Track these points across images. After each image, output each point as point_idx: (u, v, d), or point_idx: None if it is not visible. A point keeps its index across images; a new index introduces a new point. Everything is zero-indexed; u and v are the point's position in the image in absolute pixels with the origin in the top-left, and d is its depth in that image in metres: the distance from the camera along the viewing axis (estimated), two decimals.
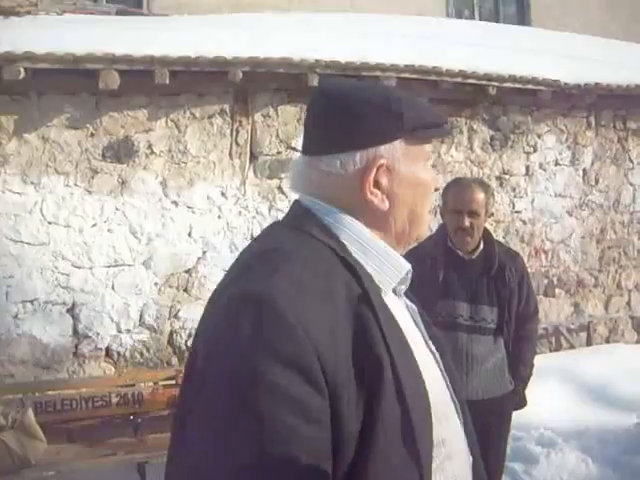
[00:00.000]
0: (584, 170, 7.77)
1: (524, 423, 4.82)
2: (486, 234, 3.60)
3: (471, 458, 1.33)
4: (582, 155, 7.73)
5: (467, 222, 3.43)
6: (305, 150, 1.30)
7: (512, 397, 3.69)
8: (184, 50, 5.70)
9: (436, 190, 1.39)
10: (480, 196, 3.46)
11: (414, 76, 6.40)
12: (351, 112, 1.23)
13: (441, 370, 1.31)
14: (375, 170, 1.23)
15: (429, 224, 1.37)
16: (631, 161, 8.00)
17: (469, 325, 3.50)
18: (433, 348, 1.33)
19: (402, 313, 1.28)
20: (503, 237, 7.16)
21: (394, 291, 1.30)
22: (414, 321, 1.33)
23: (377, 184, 1.24)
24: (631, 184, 8.04)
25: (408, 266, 1.29)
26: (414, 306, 1.38)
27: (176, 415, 1.18)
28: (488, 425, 3.14)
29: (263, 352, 1.04)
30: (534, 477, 4.59)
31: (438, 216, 4.50)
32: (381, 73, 6.23)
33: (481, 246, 3.57)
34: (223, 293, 1.17)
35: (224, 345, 1.08)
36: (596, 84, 7.30)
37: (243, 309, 1.08)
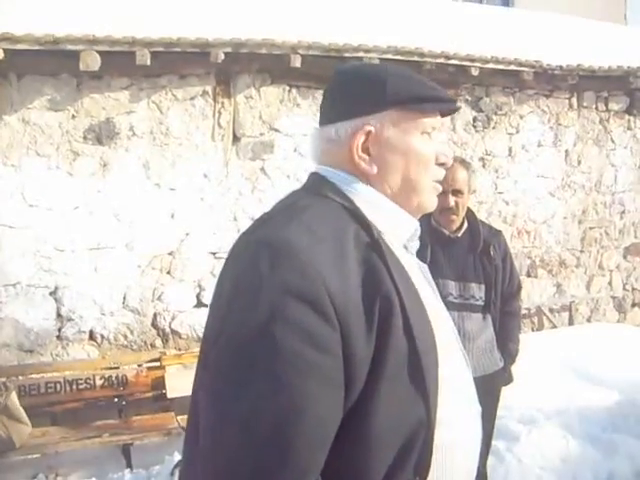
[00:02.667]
0: (566, 151, 7.81)
1: (506, 401, 4.85)
2: (469, 212, 3.62)
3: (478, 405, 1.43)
4: (564, 136, 7.77)
5: (452, 201, 3.45)
6: (318, 123, 1.46)
7: (502, 374, 3.72)
8: (165, 31, 5.66)
9: (442, 165, 1.43)
10: (463, 174, 3.47)
11: (397, 57, 6.39)
12: (348, 86, 1.41)
13: (452, 328, 1.42)
14: (363, 136, 1.35)
15: (433, 197, 1.43)
16: (613, 142, 8.05)
17: (459, 303, 3.52)
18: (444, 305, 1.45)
19: (414, 269, 1.38)
20: (486, 218, 7.19)
21: (405, 248, 1.42)
22: (426, 279, 1.43)
23: (366, 150, 1.36)
24: (613, 165, 8.09)
25: (416, 224, 1.42)
26: (424, 266, 1.49)
27: (201, 351, 1.29)
28: (481, 403, 3.16)
29: (277, 287, 1.14)
30: (515, 454, 4.63)
31: None
32: (364, 54, 6.22)
33: (465, 224, 3.59)
34: (242, 243, 1.29)
35: (246, 282, 1.18)
36: (578, 65, 7.33)
37: (261, 252, 1.19)
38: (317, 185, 1.38)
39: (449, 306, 3.44)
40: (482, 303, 3.57)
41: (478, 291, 3.55)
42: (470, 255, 3.57)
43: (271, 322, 1.12)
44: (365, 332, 1.16)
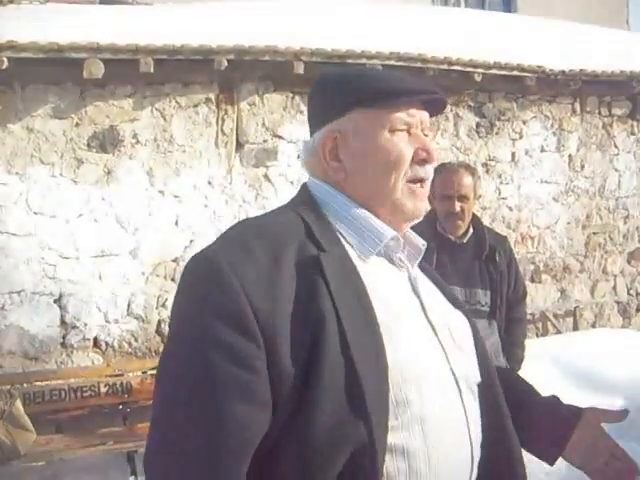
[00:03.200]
0: (569, 156, 7.80)
1: None
2: (475, 218, 3.62)
3: (477, 434, 1.30)
4: (567, 141, 7.77)
5: (458, 207, 3.43)
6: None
7: None
8: (169, 39, 5.67)
9: (423, 162, 1.34)
10: (468, 180, 3.46)
11: (399, 63, 6.40)
12: (317, 95, 1.40)
13: (440, 342, 1.30)
14: (329, 142, 1.33)
15: (412, 198, 1.34)
16: (616, 147, 8.04)
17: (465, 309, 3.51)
18: (437, 320, 1.33)
19: (393, 282, 1.32)
20: (490, 223, 7.17)
21: (392, 260, 1.36)
22: (414, 292, 1.35)
23: (335, 156, 1.34)
24: (616, 170, 8.08)
25: (391, 234, 1.32)
26: (428, 278, 1.45)
27: None
28: None
29: (200, 304, 1.14)
30: None
31: None
32: (367, 61, 6.23)
33: (471, 230, 3.59)
34: None
35: (176, 302, 1.21)
36: (581, 70, 7.32)
37: (189, 271, 1.20)
38: (297, 197, 1.38)
39: None
40: (487, 309, 3.56)
41: (484, 297, 3.54)
42: (476, 261, 3.56)
43: (195, 341, 1.12)
44: (294, 348, 1.12)
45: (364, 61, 6.20)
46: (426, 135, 1.37)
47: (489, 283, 3.55)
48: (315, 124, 1.38)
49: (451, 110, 7.11)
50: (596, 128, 7.93)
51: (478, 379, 1.36)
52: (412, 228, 3.84)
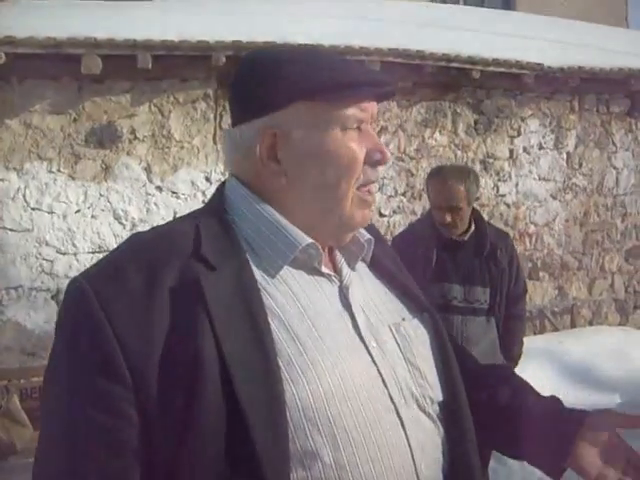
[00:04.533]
0: (568, 153, 7.80)
1: None
2: (477, 215, 3.59)
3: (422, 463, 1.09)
4: (566, 139, 7.76)
5: (449, 218, 3.41)
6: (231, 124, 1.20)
7: None
8: (167, 34, 5.67)
9: (377, 163, 1.15)
10: (459, 189, 3.39)
11: (398, 60, 6.39)
12: (253, 79, 1.13)
13: (371, 355, 1.10)
14: (267, 139, 1.10)
15: (361, 207, 1.15)
16: (614, 144, 8.04)
17: (463, 307, 3.49)
18: (373, 336, 1.13)
19: (314, 292, 1.11)
20: (488, 221, 7.18)
21: (313, 269, 1.14)
22: (343, 304, 1.14)
23: (274, 157, 1.11)
24: (614, 167, 8.08)
25: (305, 241, 1.11)
26: (373, 278, 1.24)
27: None
28: None
29: (65, 343, 1.03)
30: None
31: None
32: (365, 57, 6.22)
33: (472, 227, 3.57)
34: None
35: (55, 329, 1.08)
36: (579, 68, 7.32)
37: (65, 297, 1.06)
38: (210, 200, 1.19)
39: (453, 310, 3.44)
40: (486, 306, 3.54)
41: (483, 295, 3.53)
42: (476, 258, 3.54)
43: (54, 384, 1.03)
44: (168, 397, 0.97)
45: (363, 57, 6.19)
46: (374, 129, 1.20)
47: (489, 280, 3.54)
48: (244, 114, 1.13)
49: (449, 107, 7.11)
50: (594, 126, 7.93)
51: (438, 397, 1.16)
52: (414, 223, 3.80)
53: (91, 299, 1.00)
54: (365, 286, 1.20)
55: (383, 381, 1.09)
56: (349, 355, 1.06)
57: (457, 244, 3.51)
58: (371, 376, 1.08)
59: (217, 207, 1.14)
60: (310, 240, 1.11)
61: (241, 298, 1.03)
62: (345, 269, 1.18)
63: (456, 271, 3.50)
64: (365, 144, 1.13)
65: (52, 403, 1.03)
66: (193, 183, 6.07)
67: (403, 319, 1.20)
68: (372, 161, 1.14)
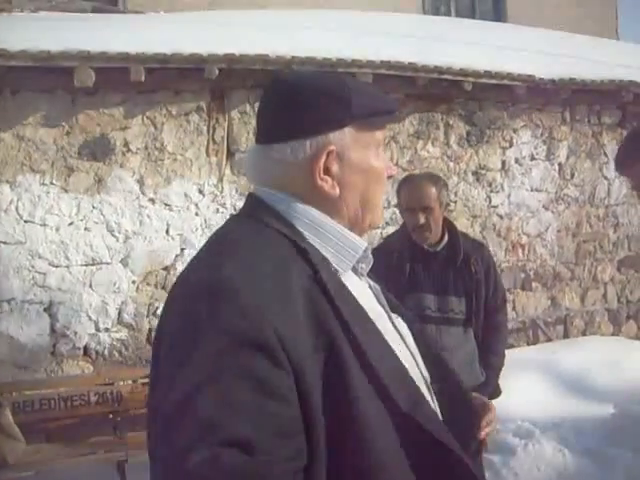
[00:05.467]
0: (560, 164, 7.84)
1: (502, 415, 4.83)
2: (450, 226, 3.62)
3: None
4: (557, 150, 7.80)
5: (422, 219, 3.44)
6: (258, 140, 1.33)
7: (484, 388, 3.69)
8: (160, 47, 5.68)
9: (389, 177, 1.39)
10: (431, 191, 3.46)
11: (390, 72, 6.43)
12: (301, 100, 1.26)
13: (408, 348, 1.34)
14: (325, 156, 1.25)
15: (382, 212, 1.40)
16: (606, 155, 8.08)
17: (437, 317, 3.51)
18: (400, 327, 1.37)
19: (364, 292, 1.32)
20: (480, 232, 7.21)
21: (355, 271, 1.33)
22: (377, 300, 1.37)
23: (327, 170, 1.26)
24: (606, 178, 8.12)
25: (364, 245, 1.32)
26: (377, 286, 1.42)
27: (149, 404, 1.19)
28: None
29: (220, 333, 1.05)
30: (512, 468, 4.62)
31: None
32: (357, 69, 6.24)
33: (445, 238, 3.59)
34: (179, 285, 1.21)
35: (183, 335, 1.09)
36: (570, 79, 7.37)
37: (198, 298, 1.10)
38: (255, 210, 1.28)
39: (427, 320, 3.45)
40: (462, 317, 3.55)
41: (458, 305, 3.54)
42: (449, 269, 3.56)
43: (216, 372, 1.03)
44: (318, 373, 1.09)
45: (355, 70, 6.21)
46: None
47: (464, 291, 3.55)
48: (295, 131, 1.25)
49: (442, 119, 7.14)
50: (586, 137, 7.97)
51: (428, 378, 1.38)
52: (388, 236, 3.90)
53: (240, 291, 1.08)
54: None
55: (417, 366, 1.33)
56: (396, 337, 1.32)
57: (430, 254, 3.54)
58: (411, 363, 1.30)
59: (275, 215, 1.26)
60: (366, 243, 1.33)
61: (344, 291, 1.21)
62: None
63: (429, 281, 3.52)
64: (384, 163, 1.36)
65: (203, 389, 1.03)
66: (186, 195, 6.08)
67: (394, 315, 1.40)
68: (387, 175, 1.37)
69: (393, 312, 1.40)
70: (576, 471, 4.69)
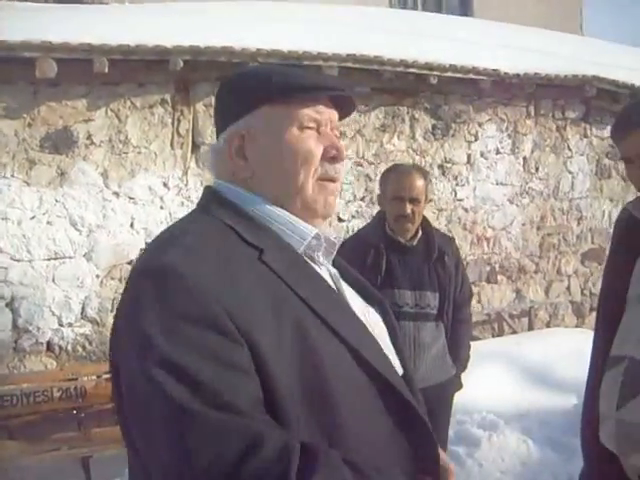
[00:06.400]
0: (524, 158, 7.90)
1: (467, 407, 4.90)
2: (424, 220, 3.63)
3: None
4: (522, 144, 7.87)
5: (409, 209, 3.43)
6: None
7: (455, 381, 3.72)
8: (124, 38, 5.61)
9: (333, 160, 1.33)
10: (420, 183, 3.47)
11: (356, 65, 6.42)
12: (227, 93, 1.37)
13: (376, 338, 1.33)
14: (237, 140, 1.30)
15: (324, 194, 1.32)
16: (570, 149, 8.17)
17: (414, 312, 3.51)
18: (368, 316, 1.38)
19: (319, 278, 1.31)
20: (446, 225, 7.25)
21: (313, 259, 1.33)
22: (337, 288, 1.36)
23: (242, 155, 1.30)
24: (570, 172, 8.21)
25: (313, 231, 1.30)
26: (338, 274, 1.41)
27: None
28: (433, 411, 3.16)
29: (170, 315, 1.06)
30: (476, 459, 4.67)
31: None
32: (323, 62, 6.24)
33: (420, 232, 3.59)
34: (129, 276, 1.23)
35: (133, 319, 1.10)
36: (535, 74, 7.43)
37: (142, 283, 1.13)
38: (206, 201, 1.32)
39: (404, 316, 3.45)
40: (435, 312, 3.56)
41: (433, 300, 3.55)
42: (425, 263, 3.56)
43: (170, 353, 1.04)
44: (275, 344, 1.10)
45: (320, 63, 6.20)
46: (336, 135, 1.35)
47: (438, 285, 3.57)
48: (222, 125, 1.34)
49: (407, 112, 7.16)
50: (550, 131, 8.05)
51: (399, 370, 1.36)
52: (362, 229, 3.89)
53: (184, 273, 1.09)
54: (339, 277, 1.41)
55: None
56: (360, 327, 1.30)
57: (406, 249, 3.53)
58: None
59: (226, 204, 1.28)
60: (316, 230, 1.31)
61: (297, 266, 1.24)
62: (326, 261, 1.37)
63: (406, 277, 3.52)
64: (323, 142, 1.31)
65: (160, 366, 1.04)
66: (151, 189, 6.02)
67: (367, 307, 1.42)
68: (328, 157, 1.31)
69: (368, 303, 1.43)
70: (540, 461, 4.75)
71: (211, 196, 1.32)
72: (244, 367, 1.07)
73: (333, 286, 1.34)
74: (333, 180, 1.32)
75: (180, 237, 1.20)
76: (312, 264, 1.32)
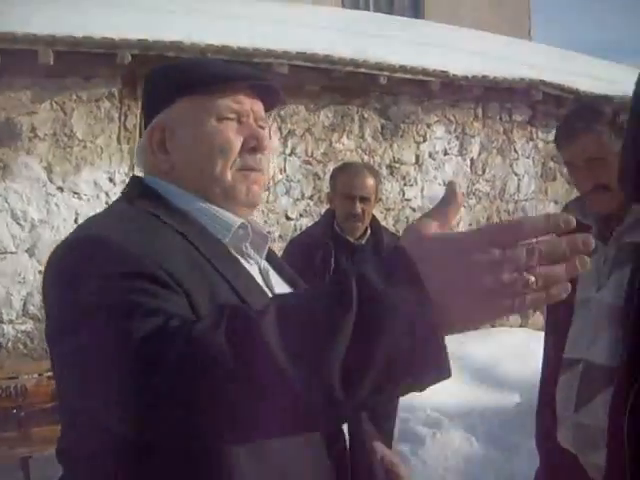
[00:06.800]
0: (471, 160, 8.00)
1: (411, 405, 4.93)
2: (373, 219, 3.64)
3: None
4: (470, 145, 7.96)
5: (359, 208, 3.43)
6: None
7: None
8: (70, 30, 5.51)
9: (253, 151, 1.31)
10: (371, 182, 3.48)
11: (306, 64, 6.42)
12: (150, 87, 1.41)
13: None
14: (157, 134, 1.31)
15: (245, 184, 1.31)
16: (516, 152, 8.29)
17: None
18: None
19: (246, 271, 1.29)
20: (393, 225, 7.29)
21: (241, 253, 1.31)
22: (265, 283, 1.33)
23: (163, 148, 1.31)
24: (516, 174, 8.33)
25: (237, 222, 1.29)
26: (267, 265, 1.39)
27: None
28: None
29: (104, 275, 1.02)
30: (420, 457, 4.71)
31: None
32: (273, 60, 6.22)
33: (369, 231, 3.60)
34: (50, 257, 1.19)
35: (65, 286, 1.06)
36: (483, 77, 7.52)
37: (68, 254, 1.10)
38: (129, 190, 1.32)
39: None
40: None
41: None
42: None
43: (106, 302, 0.99)
44: (202, 299, 1.09)
45: (271, 60, 6.19)
46: (261, 127, 1.34)
47: None
48: (147, 119, 1.36)
49: (357, 112, 7.18)
50: (497, 133, 8.16)
51: None
52: (310, 228, 3.85)
53: (111, 239, 1.07)
54: (273, 272, 1.39)
55: None
56: None
57: (355, 248, 3.54)
58: None
59: (149, 196, 1.27)
60: (242, 221, 1.29)
61: (217, 249, 1.22)
62: (256, 254, 1.36)
63: None
64: (243, 133, 1.30)
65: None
66: (96, 184, 5.93)
67: None
68: (248, 148, 1.30)
69: None
70: (483, 459, 4.81)
71: (135, 186, 1.33)
72: (183, 310, 1.04)
73: (260, 280, 1.31)
74: (254, 170, 1.31)
75: (101, 217, 1.22)
76: (239, 257, 1.30)
